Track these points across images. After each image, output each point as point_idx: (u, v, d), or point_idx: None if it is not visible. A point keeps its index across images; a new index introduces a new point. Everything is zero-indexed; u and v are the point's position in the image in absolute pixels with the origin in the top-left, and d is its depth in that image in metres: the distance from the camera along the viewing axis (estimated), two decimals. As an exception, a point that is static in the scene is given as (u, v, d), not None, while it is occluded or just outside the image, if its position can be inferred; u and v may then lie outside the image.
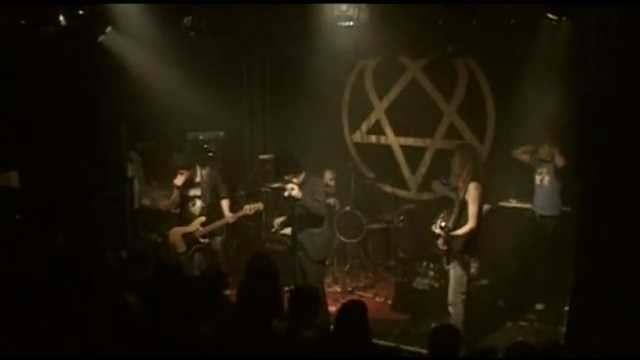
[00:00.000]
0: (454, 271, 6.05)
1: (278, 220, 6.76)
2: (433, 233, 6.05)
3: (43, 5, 6.93)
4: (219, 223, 7.08)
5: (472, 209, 5.85)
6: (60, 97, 7.44)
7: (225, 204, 7.17)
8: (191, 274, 6.58)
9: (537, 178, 7.20)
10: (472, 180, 5.88)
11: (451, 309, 6.08)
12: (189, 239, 7.03)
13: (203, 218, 7.03)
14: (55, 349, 4.18)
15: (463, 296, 6.02)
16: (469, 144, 6.39)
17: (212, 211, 7.09)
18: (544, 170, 7.13)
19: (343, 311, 4.42)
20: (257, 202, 7.27)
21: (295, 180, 6.18)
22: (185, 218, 7.11)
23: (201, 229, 7.00)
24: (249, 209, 7.04)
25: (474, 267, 7.72)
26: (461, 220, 5.91)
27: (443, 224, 5.86)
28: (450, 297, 6.10)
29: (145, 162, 8.80)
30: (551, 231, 7.08)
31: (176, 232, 7.11)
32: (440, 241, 5.94)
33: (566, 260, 6.45)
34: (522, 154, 7.40)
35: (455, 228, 5.90)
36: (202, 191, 7.06)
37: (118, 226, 8.04)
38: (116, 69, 7.74)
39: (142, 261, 5.52)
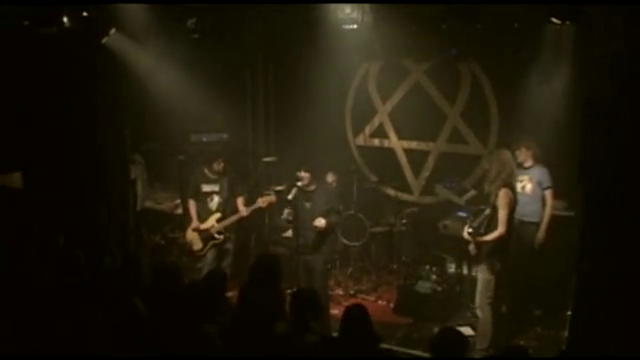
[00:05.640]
0: (482, 275, 6.06)
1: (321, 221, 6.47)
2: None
3: (47, 6, 6.95)
4: (234, 217, 7.21)
5: (502, 215, 5.82)
6: (63, 98, 7.45)
7: (240, 201, 7.27)
8: (200, 274, 6.69)
9: (518, 185, 6.62)
10: (504, 186, 5.85)
11: (478, 312, 6.12)
12: (205, 236, 7.11)
13: (219, 214, 7.12)
14: (56, 350, 4.17)
15: (489, 300, 6.03)
16: (506, 150, 6.17)
17: (228, 208, 7.21)
18: (525, 178, 6.85)
19: (344, 315, 4.43)
20: (269, 195, 7.36)
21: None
22: (201, 214, 7.19)
23: (217, 225, 7.09)
24: (262, 202, 7.14)
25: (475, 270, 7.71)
26: (491, 225, 5.89)
27: (470, 230, 5.86)
28: (477, 300, 6.12)
29: (148, 164, 8.81)
30: (530, 237, 6.86)
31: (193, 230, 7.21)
32: (471, 247, 5.96)
33: (565, 265, 6.44)
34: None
35: (486, 233, 5.89)
36: (220, 186, 7.16)
37: (121, 228, 8.04)
38: (120, 71, 7.75)
39: (136, 266, 5.49)
